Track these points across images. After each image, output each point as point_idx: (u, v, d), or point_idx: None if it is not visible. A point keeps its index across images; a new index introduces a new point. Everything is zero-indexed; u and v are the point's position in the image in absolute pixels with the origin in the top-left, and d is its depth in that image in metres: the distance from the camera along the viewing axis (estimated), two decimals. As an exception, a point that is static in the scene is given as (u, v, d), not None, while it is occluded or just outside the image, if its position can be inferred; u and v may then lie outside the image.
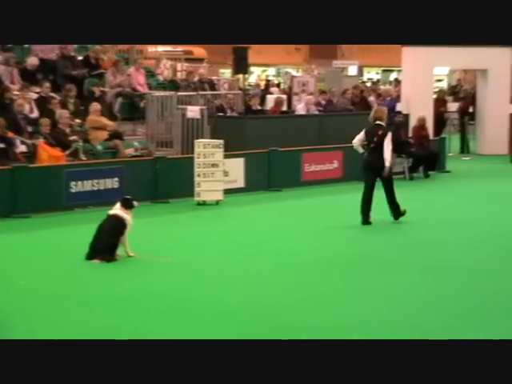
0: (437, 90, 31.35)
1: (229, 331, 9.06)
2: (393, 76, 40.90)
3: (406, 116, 24.96)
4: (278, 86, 35.37)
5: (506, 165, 25.31)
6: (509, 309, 10.31)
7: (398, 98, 28.40)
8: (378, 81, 39.54)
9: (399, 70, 31.27)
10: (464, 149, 28.58)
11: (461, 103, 29.87)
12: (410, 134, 23.30)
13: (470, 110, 29.99)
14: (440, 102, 28.95)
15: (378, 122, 15.83)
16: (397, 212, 15.79)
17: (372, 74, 42.58)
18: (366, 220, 15.48)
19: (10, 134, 17.47)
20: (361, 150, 16.26)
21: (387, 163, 15.41)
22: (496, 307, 10.34)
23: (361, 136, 16.14)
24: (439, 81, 34.34)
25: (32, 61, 20.98)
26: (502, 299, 10.74)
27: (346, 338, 8.06)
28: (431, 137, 24.24)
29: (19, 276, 11.68)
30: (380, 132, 15.58)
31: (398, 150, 22.13)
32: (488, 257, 13.14)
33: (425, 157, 22.47)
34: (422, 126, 23.09)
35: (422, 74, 27.06)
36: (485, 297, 10.87)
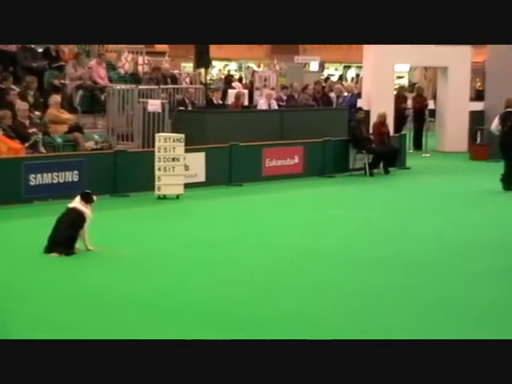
0: (397, 86, 31.51)
1: (184, 323, 9.09)
2: (351, 72, 41.07)
3: (367, 112, 25.07)
4: (240, 80, 35.38)
5: (465, 162, 25.54)
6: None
7: (359, 95, 28.53)
8: (342, 77, 39.71)
9: (359, 67, 31.41)
10: (421, 145, 28.47)
11: (414, 100, 29.94)
12: (371, 131, 23.39)
13: (431, 106, 30.16)
14: (401, 99, 29.07)
15: (509, 109, 19.89)
16: None
17: (331, 70, 42.68)
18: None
19: (-32, 126, 17.37)
20: (497, 133, 20.15)
21: None
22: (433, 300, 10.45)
23: (496, 122, 20.05)
24: (400, 78, 34.53)
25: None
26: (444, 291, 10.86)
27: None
28: (392, 133, 24.36)
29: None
30: None
31: (358, 146, 22.32)
32: (436, 250, 13.28)
33: (385, 153, 22.58)
34: (382, 122, 23.20)
35: (382, 71, 27.20)
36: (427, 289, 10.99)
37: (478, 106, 28.44)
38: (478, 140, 26.57)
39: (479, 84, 31.85)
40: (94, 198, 12.73)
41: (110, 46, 27.60)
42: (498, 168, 21.75)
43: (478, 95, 30.45)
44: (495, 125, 20.33)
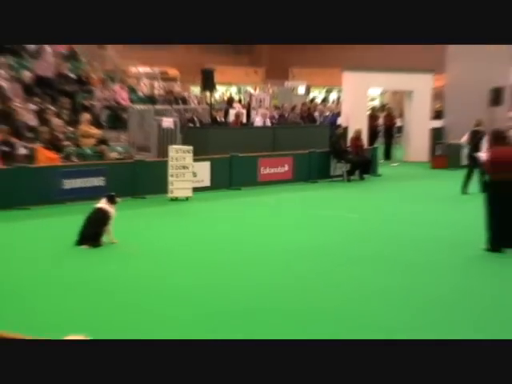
0: (371, 107, 31.54)
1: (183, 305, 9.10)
2: (332, 95, 41.07)
3: (345, 128, 25.11)
4: (239, 101, 35.38)
5: (426, 170, 25.56)
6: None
7: (338, 114, 28.58)
8: (325, 99, 39.66)
9: (339, 90, 31.43)
10: (390, 156, 28.62)
11: (385, 119, 30.02)
12: (349, 144, 23.43)
13: (398, 124, 30.20)
14: (373, 118, 29.11)
15: (476, 129, 19.81)
16: None
17: (316, 93, 42.66)
18: None
19: (13, 139, 17.39)
20: (466, 147, 20.00)
21: None
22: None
23: (465, 138, 20.04)
24: (373, 100, 34.52)
25: (29, 77, 20.86)
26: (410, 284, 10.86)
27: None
28: (366, 146, 24.39)
29: (20, 256, 11.66)
30: None
31: (338, 157, 22.36)
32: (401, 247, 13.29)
33: (360, 163, 22.62)
34: (358, 137, 23.23)
35: (358, 94, 27.22)
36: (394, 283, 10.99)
37: (437, 123, 28.46)
38: (438, 152, 26.60)
39: (438, 105, 31.79)
40: (118, 199, 12.75)
41: (131, 72, 27.64)
42: (454, 175, 21.81)
43: (438, 115, 30.42)
44: (464, 140, 20.44)
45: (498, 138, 13.20)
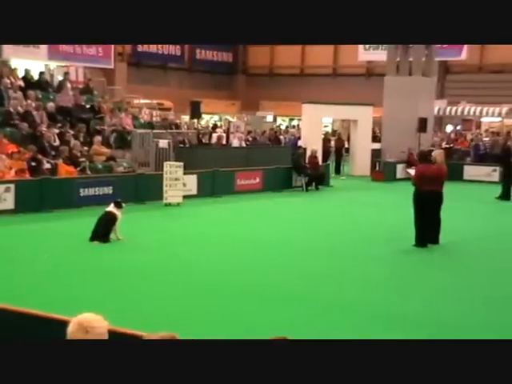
0: (324, 132, 31.64)
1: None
2: (294, 122, 41.13)
3: (304, 149, 25.16)
4: (220, 127, 35.33)
5: (368, 182, 25.65)
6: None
7: (299, 137, 28.64)
8: (288, 126, 39.69)
9: (299, 119, 31.52)
10: (339, 171, 28.65)
11: (335, 142, 30.12)
12: (307, 161, 23.47)
13: (346, 146, 30.30)
14: (326, 140, 29.15)
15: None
16: None
17: (281, 121, 42.72)
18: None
19: (39, 156, 17.28)
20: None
21: None
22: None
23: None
24: (326, 126, 34.65)
25: (52, 107, 20.79)
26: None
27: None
28: (320, 163, 24.45)
29: (45, 250, 11.62)
30: None
31: (298, 171, 22.42)
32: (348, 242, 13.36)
33: (316, 176, 22.67)
34: (314, 155, 23.28)
35: (314, 122, 27.30)
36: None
37: (376, 145, 28.63)
38: (377, 168, 26.77)
39: (378, 131, 32.01)
40: (123, 204, 12.72)
41: (134, 103, 27.55)
42: (389, 186, 21.95)
43: (377, 139, 30.61)
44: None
45: (423, 157, 13.38)
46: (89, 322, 3.38)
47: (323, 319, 8.23)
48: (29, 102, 20.22)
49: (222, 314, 8.29)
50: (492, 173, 23.02)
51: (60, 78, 23.76)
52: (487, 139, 29.90)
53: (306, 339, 3.76)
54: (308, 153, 23.89)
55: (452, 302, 9.16)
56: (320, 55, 43.00)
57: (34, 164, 16.84)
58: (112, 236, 12.37)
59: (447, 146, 28.90)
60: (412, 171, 14.02)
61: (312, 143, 25.16)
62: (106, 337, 3.40)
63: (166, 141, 20.52)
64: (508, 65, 37.82)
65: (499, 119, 36.56)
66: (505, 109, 34.89)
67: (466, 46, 38.12)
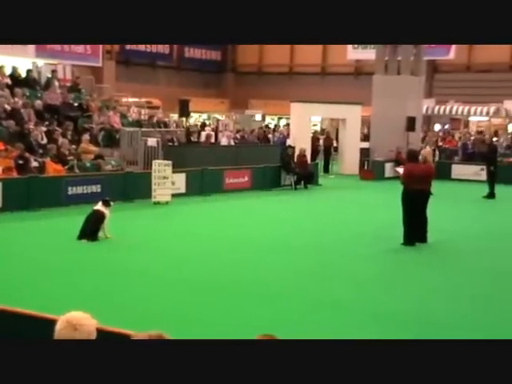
0: (313, 131, 31.67)
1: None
2: (283, 121, 41.14)
3: (293, 148, 25.15)
4: (209, 125, 35.26)
5: (357, 181, 25.72)
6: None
7: (288, 136, 28.65)
8: (276, 125, 39.66)
9: (288, 118, 31.52)
10: (328, 170, 28.72)
11: (324, 141, 30.17)
12: (295, 160, 23.49)
13: (335, 144, 30.34)
14: (315, 139, 29.23)
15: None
16: None
17: (270, 120, 42.67)
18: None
19: (27, 154, 17.19)
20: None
21: None
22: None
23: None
24: (315, 125, 34.67)
25: (40, 104, 20.70)
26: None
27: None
28: (309, 161, 24.49)
29: (33, 248, 11.56)
30: None
31: (287, 170, 22.44)
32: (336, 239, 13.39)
33: (305, 175, 22.70)
34: (303, 154, 23.32)
35: (303, 121, 27.35)
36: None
37: (365, 144, 28.69)
38: (365, 167, 26.83)
39: (366, 130, 32.08)
40: (111, 203, 12.69)
41: (123, 101, 27.45)
42: (378, 185, 22.00)
43: (366, 138, 30.68)
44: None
45: (411, 156, 13.39)
46: (77, 320, 3.36)
47: (313, 316, 8.26)
48: (16, 99, 20.13)
49: (211, 312, 8.28)
50: (480, 172, 23.13)
51: (48, 75, 23.66)
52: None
53: (294, 338, 3.77)
54: (297, 152, 23.91)
55: (439, 300, 9.20)
56: (309, 54, 43.05)
57: (21, 162, 16.76)
58: (100, 234, 12.34)
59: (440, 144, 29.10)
60: (400, 170, 14.06)
61: (301, 142, 25.19)
62: (94, 335, 3.38)
63: (155, 139, 20.49)
64: (496, 64, 38.03)
65: (487, 118, 36.75)
66: (492, 108, 35.07)
67: (454, 46, 38.28)
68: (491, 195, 20.56)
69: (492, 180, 20.83)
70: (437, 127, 38.45)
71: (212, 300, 8.82)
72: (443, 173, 23.28)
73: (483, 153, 23.23)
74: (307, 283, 9.82)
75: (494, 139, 28.53)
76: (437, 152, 22.52)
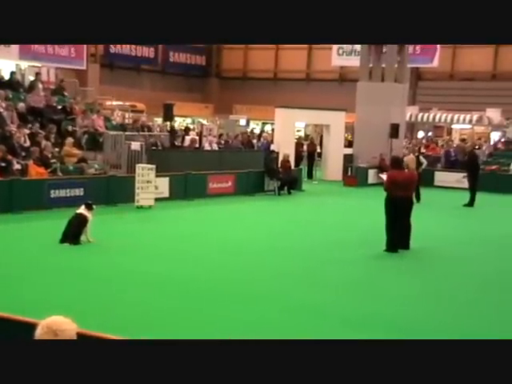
0: (297, 137, 31.76)
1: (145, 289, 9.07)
2: (267, 127, 41.20)
3: (277, 153, 25.20)
4: (193, 130, 35.21)
5: (340, 187, 25.82)
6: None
7: (272, 141, 28.70)
8: (262, 131, 39.73)
9: (273, 123, 31.59)
10: (312, 175, 28.81)
11: (308, 146, 30.26)
12: (279, 165, 23.54)
13: (319, 150, 30.42)
14: (299, 145, 29.33)
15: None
16: None
17: (254, 125, 42.70)
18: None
19: (9, 157, 17.11)
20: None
21: None
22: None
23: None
24: (299, 131, 34.78)
25: (23, 107, 20.61)
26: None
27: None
28: (292, 167, 24.55)
29: (14, 251, 11.49)
30: None
31: (271, 175, 22.47)
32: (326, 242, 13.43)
33: (288, 180, 22.76)
34: (286, 160, 23.38)
35: (287, 126, 27.43)
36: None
37: (348, 151, 28.81)
38: (349, 173, 26.94)
39: (350, 136, 32.21)
40: (94, 206, 12.65)
41: (107, 104, 27.39)
42: (362, 191, 22.07)
43: (349, 144, 30.80)
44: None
45: (395, 163, 13.44)
46: (58, 325, 3.34)
47: (293, 319, 8.29)
48: (-1, 101, 20.04)
49: (193, 314, 8.29)
50: (462, 179, 23.30)
51: (31, 78, 23.58)
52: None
53: (274, 339, 3.79)
54: (280, 157, 23.96)
55: (419, 305, 9.27)
56: (293, 60, 43.21)
57: (3, 164, 16.68)
58: (83, 238, 12.30)
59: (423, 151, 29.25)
60: (384, 176, 14.12)
61: (284, 147, 25.25)
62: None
63: (139, 143, 20.45)
64: (479, 73, 38.38)
65: (469, 126, 37.05)
66: (475, 116, 35.38)
67: (437, 54, 38.59)
68: (471, 203, 20.69)
69: (473, 188, 20.98)
70: (420, 134, 38.71)
71: (194, 303, 8.81)
72: (426, 180, 23.41)
73: (463, 161, 23.42)
74: (289, 286, 9.85)
75: (476, 147, 28.72)
76: (422, 159, 22.53)
